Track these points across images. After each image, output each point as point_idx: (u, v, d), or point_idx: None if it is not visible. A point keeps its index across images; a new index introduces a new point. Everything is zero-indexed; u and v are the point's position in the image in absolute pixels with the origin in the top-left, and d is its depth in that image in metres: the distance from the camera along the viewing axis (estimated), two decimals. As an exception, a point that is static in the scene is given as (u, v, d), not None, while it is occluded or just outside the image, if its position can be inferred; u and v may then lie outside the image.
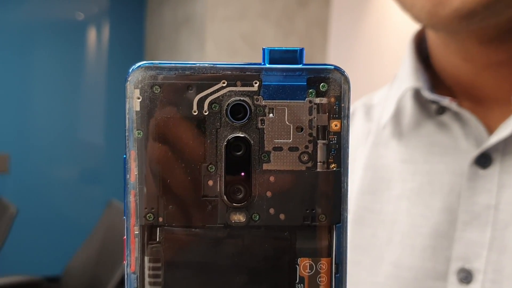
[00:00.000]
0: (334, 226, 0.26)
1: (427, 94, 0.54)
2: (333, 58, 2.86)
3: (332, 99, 0.26)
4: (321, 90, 0.26)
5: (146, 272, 0.26)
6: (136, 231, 0.26)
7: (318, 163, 0.26)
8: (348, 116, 0.26)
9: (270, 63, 0.26)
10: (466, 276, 0.49)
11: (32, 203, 3.18)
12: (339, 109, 0.26)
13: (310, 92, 0.26)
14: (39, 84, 3.30)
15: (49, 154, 3.32)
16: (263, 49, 0.26)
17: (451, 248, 0.51)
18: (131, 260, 0.26)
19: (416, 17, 0.49)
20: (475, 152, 0.51)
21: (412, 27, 0.56)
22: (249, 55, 2.77)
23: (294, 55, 0.26)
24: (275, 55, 0.26)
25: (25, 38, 3.25)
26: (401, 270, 0.52)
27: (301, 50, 0.26)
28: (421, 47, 0.58)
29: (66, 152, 3.35)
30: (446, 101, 0.53)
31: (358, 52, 2.65)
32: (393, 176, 0.56)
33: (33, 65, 3.27)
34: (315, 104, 0.26)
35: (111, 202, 2.45)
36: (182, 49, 3.05)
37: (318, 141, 0.26)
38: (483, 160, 0.50)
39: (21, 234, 3.01)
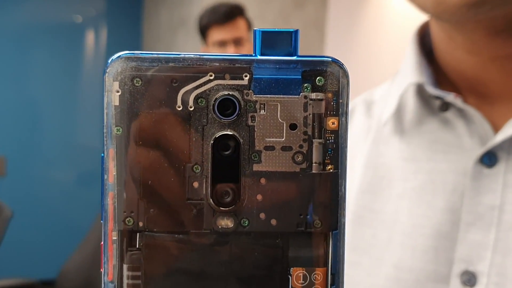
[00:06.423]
0: (330, 233, 0.24)
1: (431, 90, 0.52)
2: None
3: (329, 95, 0.24)
4: (317, 84, 0.24)
5: (125, 281, 0.24)
6: (114, 236, 0.24)
7: (314, 164, 0.24)
8: (346, 113, 0.24)
9: (262, 46, 0.24)
10: (469, 278, 0.48)
11: (28, 205, 3.18)
12: (336, 106, 0.24)
13: (305, 86, 0.24)
14: (36, 87, 3.30)
15: (45, 157, 3.32)
16: (254, 31, 0.24)
17: (454, 249, 0.49)
18: (109, 268, 0.24)
19: (422, 6, 0.47)
20: (480, 151, 0.49)
21: (410, 26, 0.54)
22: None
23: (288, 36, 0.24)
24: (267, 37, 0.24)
25: (23, 40, 3.26)
26: (401, 272, 0.51)
27: (296, 31, 0.24)
28: (424, 41, 0.56)
29: (62, 154, 3.36)
30: (450, 97, 0.51)
31: (355, 52, 2.64)
32: (394, 174, 0.54)
33: (31, 67, 3.28)
34: (311, 99, 0.24)
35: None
36: (178, 50, 3.03)
37: (313, 140, 0.24)
38: (488, 159, 0.49)
39: (16, 237, 3.00)
